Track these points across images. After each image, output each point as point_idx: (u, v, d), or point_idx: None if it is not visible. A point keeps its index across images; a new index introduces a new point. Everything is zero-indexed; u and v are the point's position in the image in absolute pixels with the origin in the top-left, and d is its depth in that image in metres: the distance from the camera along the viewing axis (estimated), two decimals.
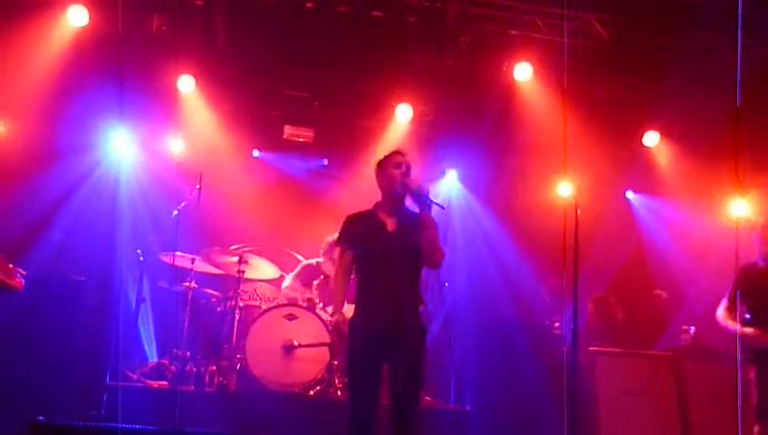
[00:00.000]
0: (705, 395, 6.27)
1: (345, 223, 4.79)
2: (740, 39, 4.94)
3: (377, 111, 8.33)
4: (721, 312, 5.36)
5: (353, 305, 4.64)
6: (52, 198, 7.20)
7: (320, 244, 7.34)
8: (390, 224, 4.64)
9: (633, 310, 7.88)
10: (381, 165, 4.73)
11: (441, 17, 7.27)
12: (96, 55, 7.08)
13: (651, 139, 8.24)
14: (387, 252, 4.54)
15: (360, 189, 8.23)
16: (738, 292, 5.30)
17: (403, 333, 4.42)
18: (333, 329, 4.88)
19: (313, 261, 7.38)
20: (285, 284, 7.26)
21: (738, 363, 5.01)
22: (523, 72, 7.60)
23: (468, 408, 6.71)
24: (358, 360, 4.50)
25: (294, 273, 7.32)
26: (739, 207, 7.70)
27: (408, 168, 4.64)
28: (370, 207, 4.77)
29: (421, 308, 4.65)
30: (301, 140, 8.51)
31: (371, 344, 4.45)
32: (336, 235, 7.21)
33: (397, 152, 4.75)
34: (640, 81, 7.77)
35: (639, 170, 8.37)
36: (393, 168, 4.64)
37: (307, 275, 7.21)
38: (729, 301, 5.34)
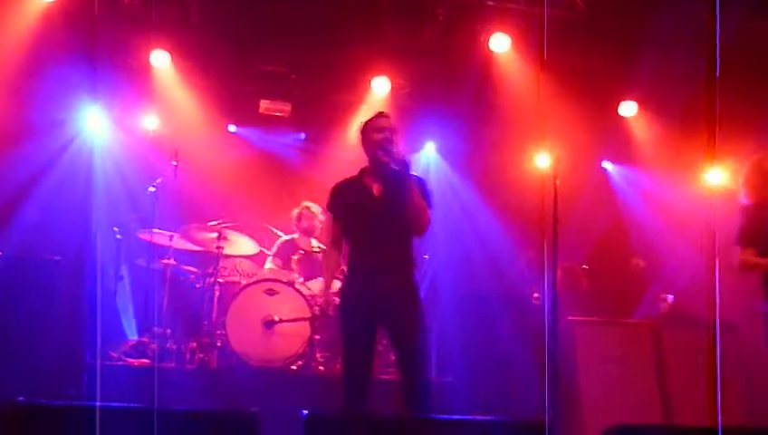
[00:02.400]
0: (683, 362, 6.34)
1: (331, 193, 4.74)
2: (718, 8, 4.94)
3: (354, 85, 8.27)
4: (743, 256, 5.22)
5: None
6: (26, 177, 7.09)
7: None
8: (376, 189, 4.58)
9: (611, 278, 7.95)
10: (363, 128, 4.66)
11: None
12: (67, 31, 6.95)
13: (628, 108, 8.25)
14: (374, 217, 4.52)
15: (339, 163, 8.22)
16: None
17: (397, 300, 4.44)
18: (320, 309, 4.91)
19: (289, 237, 7.35)
20: (267, 266, 7.22)
21: (717, 331, 5.06)
22: (500, 44, 7.57)
23: (450, 379, 6.74)
24: (351, 325, 4.50)
25: (272, 252, 7.28)
26: (715, 177, 7.77)
27: (392, 132, 4.57)
28: (356, 173, 4.72)
29: (414, 272, 4.63)
30: (278, 114, 8.43)
31: (364, 311, 4.46)
32: (298, 208, 7.28)
33: (379, 115, 4.69)
34: (617, 50, 7.78)
35: (617, 141, 8.39)
36: (374, 132, 4.58)
37: (285, 252, 7.19)
38: (742, 244, 5.21)
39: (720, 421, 3.84)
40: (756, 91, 7.43)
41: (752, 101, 7.28)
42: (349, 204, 4.63)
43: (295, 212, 7.33)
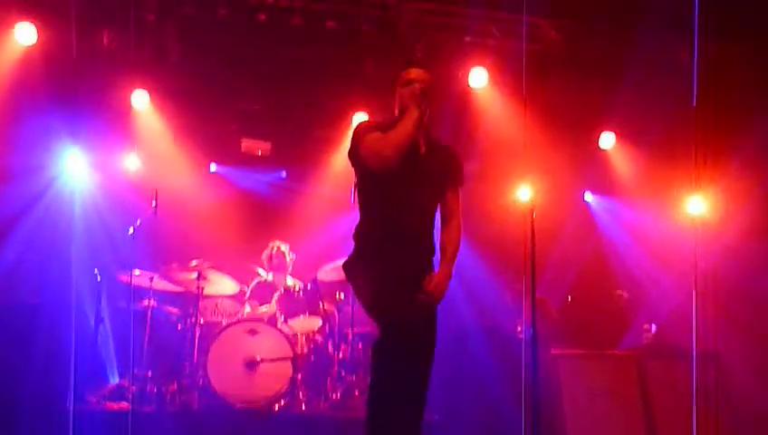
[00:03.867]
0: (668, 393, 6.31)
1: (365, 128, 4.06)
2: (696, 40, 4.99)
3: (334, 122, 8.29)
4: None
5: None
6: (5, 220, 7.05)
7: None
8: (423, 146, 4.04)
9: (595, 310, 7.94)
10: (395, 85, 4.14)
11: (395, 26, 7.28)
12: (46, 73, 6.97)
13: (607, 140, 8.29)
14: (416, 180, 3.96)
15: (320, 200, 8.23)
16: None
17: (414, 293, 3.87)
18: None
19: (263, 278, 7.31)
20: (246, 310, 7.17)
21: (694, 361, 5.04)
22: (478, 78, 7.61)
23: (437, 417, 6.66)
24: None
25: (247, 296, 7.23)
26: (696, 206, 7.79)
27: (425, 87, 4.00)
28: (384, 121, 4.10)
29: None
30: (259, 153, 8.45)
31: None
32: (268, 249, 7.10)
33: (408, 64, 4.20)
34: (595, 83, 7.84)
35: (597, 172, 8.43)
36: (401, 86, 4.08)
37: (261, 293, 7.15)
38: None
39: None
40: (736, 120, 7.51)
41: (732, 129, 7.36)
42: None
43: (265, 253, 7.31)
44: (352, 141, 4.07)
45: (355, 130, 4.13)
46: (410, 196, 3.97)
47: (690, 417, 4.96)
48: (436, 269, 4.07)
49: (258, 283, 7.27)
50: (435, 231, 4.12)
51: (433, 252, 4.10)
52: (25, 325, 6.08)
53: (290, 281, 7.18)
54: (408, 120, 3.89)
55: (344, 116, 8.19)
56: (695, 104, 5.21)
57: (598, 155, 8.37)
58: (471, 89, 7.73)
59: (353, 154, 4.05)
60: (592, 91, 7.91)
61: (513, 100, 7.46)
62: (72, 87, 6.84)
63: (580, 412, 6.34)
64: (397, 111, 4.08)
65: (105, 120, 7.57)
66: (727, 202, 7.34)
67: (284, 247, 7.25)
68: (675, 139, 7.58)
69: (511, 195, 7.54)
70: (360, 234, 4.06)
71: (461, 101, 7.82)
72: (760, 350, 7.11)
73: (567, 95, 7.88)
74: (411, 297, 3.88)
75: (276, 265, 7.27)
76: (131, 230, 6.58)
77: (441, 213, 4.16)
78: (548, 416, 5.99)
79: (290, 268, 7.25)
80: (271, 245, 7.34)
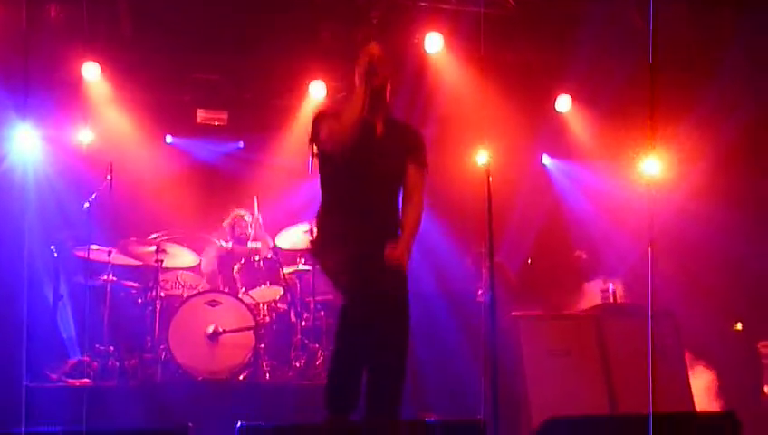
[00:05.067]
0: (627, 351, 6.40)
1: (323, 114, 4.13)
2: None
3: (290, 90, 8.24)
4: None
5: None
6: None
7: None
8: (379, 126, 4.08)
9: (554, 272, 8.03)
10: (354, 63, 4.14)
11: None
12: None
13: (563, 103, 8.34)
14: (374, 162, 4.01)
15: (278, 170, 8.18)
16: None
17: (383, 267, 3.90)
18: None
19: (222, 246, 7.27)
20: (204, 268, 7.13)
21: (649, 320, 5.13)
22: (434, 43, 7.60)
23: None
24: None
25: (206, 267, 7.18)
26: (651, 166, 7.89)
27: (373, 63, 4.03)
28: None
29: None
30: (216, 123, 8.37)
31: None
32: (229, 217, 7.07)
33: (365, 39, 4.35)
34: (549, 46, 7.87)
35: (554, 135, 8.48)
36: (361, 58, 4.08)
37: (221, 263, 7.13)
38: None
39: (651, 409, 3.90)
40: (692, 80, 7.59)
41: (684, 90, 7.44)
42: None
43: (227, 222, 7.27)
44: (312, 129, 4.11)
45: (313, 117, 4.18)
46: (369, 176, 4.02)
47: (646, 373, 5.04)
48: None
49: (218, 253, 7.23)
50: (398, 206, 4.16)
51: (398, 226, 4.14)
52: None
53: (252, 246, 7.15)
54: (356, 98, 3.97)
55: (301, 84, 8.13)
56: (651, 61, 5.22)
57: (555, 118, 8.41)
58: (427, 54, 7.71)
59: (315, 141, 4.11)
60: (548, 53, 7.94)
61: (469, 64, 7.47)
62: (22, 61, 6.71)
63: (541, 373, 6.39)
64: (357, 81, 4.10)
65: (56, 94, 7.44)
66: (681, 162, 7.44)
67: (248, 217, 7.23)
68: (629, 100, 7.65)
69: (469, 159, 7.57)
70: (324, 216, 4.12)
71: (417, 67, 7.80)
72: (713, 305, 7.27)
73: (523, 59, 7.90)
74: (381, 270, 3.92)
75: (238, 233, 7.24)
76: (87, 205, 6.49)
77: (403, 190, 4.21)
78: (509, 378, 6.06)
79: (250, 237, 7.23)
80: (232, 213, 7.30)
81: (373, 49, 4.12)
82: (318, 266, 4.36)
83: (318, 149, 4.09)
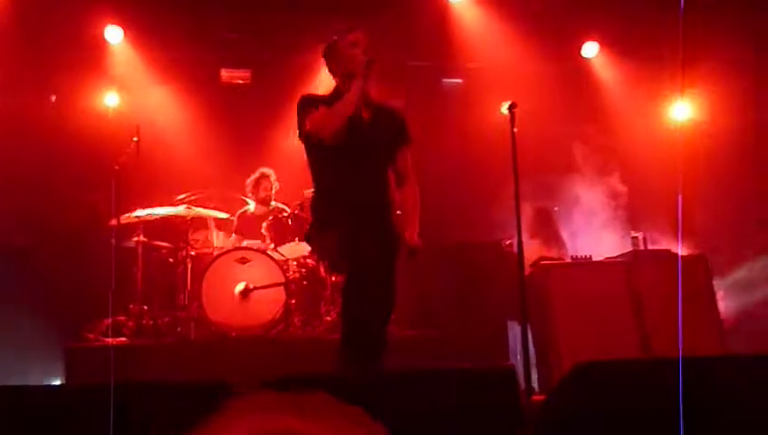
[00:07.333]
0: (658, 296, 6.37)
1: (308, 102, 4.09)
2: None
3: (314, 46, 8.16)
4: None
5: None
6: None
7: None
8: (365, 112, 4.12)
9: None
10: (334, 48, 4.16)
11: None
12: (16, 13, 6.84)
13: (590, 49, 8.19)
14: (365, 146, 4.06)
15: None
16: None
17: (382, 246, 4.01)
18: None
19: (244, 210, 7.29)
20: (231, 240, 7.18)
21: (679, 264, 5.09)
22: None
23: (436, 333, 6.73)
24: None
25: (235, 224, 7.22)
26: (681, 110, 7.77)
27: (366, 46, 4.05)
28: (329, 92, 4.16)
29: (396, 214, 4.25)
30: (239, 81, 8.35)
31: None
32: (255, 175, 7.08)
33: (350, 30, 4.15)
34: None
35: (581, 84, 8.34)
36: (350, 46, 4.08)
37: (246, 225, 7.16)
38: None
39: (681, 352, 3.88)
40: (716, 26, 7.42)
41: (712, 34, 7.27)
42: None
43: (251, 179, 7.27)
44: (298, 118, 4.09)
45: (298, 105, 4.13)
46: (361, 163, 4.07)
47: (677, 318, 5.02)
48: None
49: (245, 212, 7.27)
50: (388, 185, 4.22)
51: (391, 206, 4.20)
52: (16, 268, 6.10)
53: (277, 205, 7.18)
54: (355, 90, 3.96)
55: (325, 41, 8.05)
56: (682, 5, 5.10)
57: (581, 65, 8.28)
58: (450, 4, 7.61)
59: (299, 129, 4.10)
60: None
61: (495, 13, 7.39)
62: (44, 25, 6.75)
63: (571, 320, 6.40)
64: (337, 70, 4.14)
65: (80, 58, 7.47)
66: (711, 105, 7.32)
67: (271, 174, 7.24)
68: (658, 45, 7.52)
69: (495, 109, 7.50)
70: (317, 205, 4.19)
71: (441, 18, 7.70)
72: (743, 248, 7.20)
73: (548, 3, 7.77)
74: (379, 250, 4.00)
75: (264, 197, 7.25)
76: (116, 167, 6.55)
77: (395, 174, 4.26)
78: (539, 325, 6.08)
79: (272, 199, 7.26)
80: (259, 171, 7.31)
81: (366, 37, 4.11)
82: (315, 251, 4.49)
83: (306, 138, 4.10)
